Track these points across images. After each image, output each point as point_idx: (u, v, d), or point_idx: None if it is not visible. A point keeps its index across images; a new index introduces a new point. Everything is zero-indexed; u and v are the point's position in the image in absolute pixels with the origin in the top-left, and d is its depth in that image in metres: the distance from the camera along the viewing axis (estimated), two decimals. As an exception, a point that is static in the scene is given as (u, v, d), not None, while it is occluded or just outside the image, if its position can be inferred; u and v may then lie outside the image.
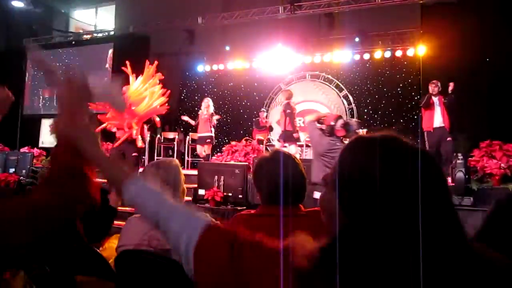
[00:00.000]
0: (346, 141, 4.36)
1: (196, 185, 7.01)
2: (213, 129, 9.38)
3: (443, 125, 7.51)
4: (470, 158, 6.03)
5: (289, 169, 1.81)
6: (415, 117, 9.67)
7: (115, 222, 2.65)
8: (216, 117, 9.47)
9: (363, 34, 10.60)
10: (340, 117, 5.21)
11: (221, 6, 12.62)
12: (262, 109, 10.89)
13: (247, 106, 12.05)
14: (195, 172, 7.48)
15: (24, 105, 14.54)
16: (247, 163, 7.26)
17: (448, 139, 7.38)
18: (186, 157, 10.50)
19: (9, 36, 17.28)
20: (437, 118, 7.55)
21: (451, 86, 7.56)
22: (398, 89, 10.31)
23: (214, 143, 9.73)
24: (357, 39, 10.63)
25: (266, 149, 10.40)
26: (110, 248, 2.68)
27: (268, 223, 1.70)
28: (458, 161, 5.56)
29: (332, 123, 5.05)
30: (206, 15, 12.05)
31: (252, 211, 1.87)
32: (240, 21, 11.59)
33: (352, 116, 10.88)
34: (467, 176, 5.49)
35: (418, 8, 9.74)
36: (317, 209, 1.79)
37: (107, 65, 13.37)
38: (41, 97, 14.38)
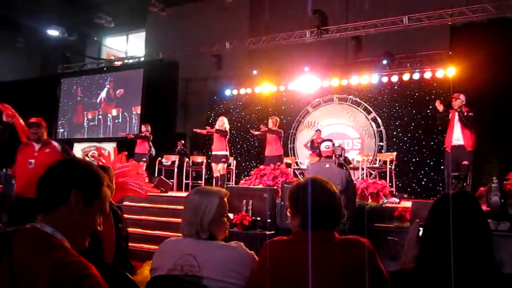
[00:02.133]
0: (330, 162, 4.52)
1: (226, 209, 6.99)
2: (227, 148, 9.25)
3: (461, 143, 7.16)
4: (505, 182, 5.86)
5: (323, 195, 1.80)
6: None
7: (151, 246, 2.68)
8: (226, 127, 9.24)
9: (391, 56, 10.55)
10: (326, 140, 5.84)
11: (248, 31, 12.84)
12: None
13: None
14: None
15: (57, 129, 14.93)
16: (275, 187, 7.24)
17: (464, 162, 7.01)
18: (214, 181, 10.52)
19: (44, 63, 17.93)
20: (456, 135, 7.24)
21: (461, 100, 7.25)
22: (428, 111, 10.15)
23: (229, 162, 9.63)
24: (384, 62, 10.58)
25: (294, 172, 10.37)
26: (142, 273, 2.70)
27: (301, 250, 1.69)
28: (493, 185, 5.40)
29: (316, 145, 5.77)
30: (234, 40, 12.25)
31: (285, 237, 1.86)
32: (267, 45, 11.73)
33: (381, 139, 10.75)
34: (503, 200, 5.32)
35: (447, 29, 9.66)
36: (350, 238, 1.77)
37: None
38: (73, 122, 14.75)
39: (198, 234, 1.99)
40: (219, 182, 8.86)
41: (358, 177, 9.40)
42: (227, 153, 9.22)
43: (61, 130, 14.91)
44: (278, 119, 9.58)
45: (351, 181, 5.60)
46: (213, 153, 9.24)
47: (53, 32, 14.56)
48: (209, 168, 10.30)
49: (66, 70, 15.54)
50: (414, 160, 10.20)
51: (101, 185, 1.45)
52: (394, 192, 7.97)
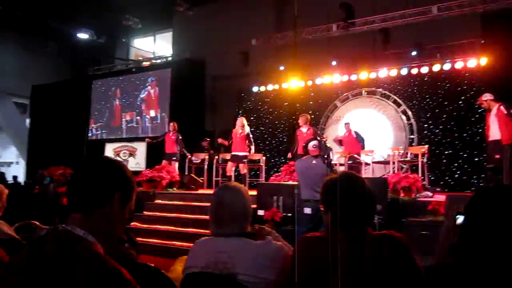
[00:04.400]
0: (317, 160, 4.67)
1: (255, 206, 7.03)
2: (252, 148, 9.26)
3: (498, 138, 7.00)
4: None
5: (356, 191, 1.79)
6: (479, 130, 9.24)
7: (183, 244, 2.70)
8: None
9: (420, 47, 10.33)
10: (312, 139, 6.03)
11: (274, 27, 12.80)
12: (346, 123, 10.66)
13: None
14: (253, 192, 7.50)
15: (89, 130, 15.25)
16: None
17: (497, 156, 6.84)
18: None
19: (74, 66, 18.35)
20: (493, 130, 7.10)
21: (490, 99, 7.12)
22: (460, 102, 9.92)
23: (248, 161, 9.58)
24: (414, 53, 10.37)
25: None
26: (175, 270, 2.73)
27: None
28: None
29: (304, 144, 5.92)
30: (260, 37, 12.24)
31: (318, 234, 1.85)
32: (293, 40, 11.67)
33: (412, 132, 10.56)
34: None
35: (478, 18, 9.41)
36: (384, 233, 1.75)
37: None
38: (106, 122, 15.03)
39: (226, 230, 2.00)
40: (243, 182, 8.85)
41: (389, 171, 9.27)
42: (248, 153, 9.24)
43: (94, 131, 15.21)
44: (309, 117, 9.45)
45: None
46: (234, 153, 9.25)
47: (83, 35, 14.87)
48: (236, 167, 10.35)
49: (97, 72, 15.86)
50: (446, 152, 9.98)
51: (135, 188, 1.45)
52: (427, 186, 7.82)
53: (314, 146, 5.76)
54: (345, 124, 10.48)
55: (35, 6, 14.21)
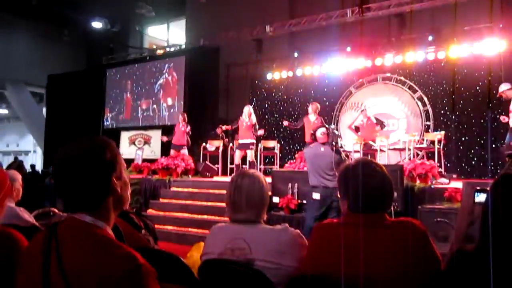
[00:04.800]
0: (325, 147, 4.74)
1: (270, 193, 7.03)
2: (261, 131, 9.41)
3: None
4: None
5: (374, 177, 1.77)
6: (497, 116, 9.09)
7: (198, 230, 2.72)
8: (260, 132, 9.41)
9: (437, 32, 10.16)
10: (320, 126, 6.07)
11: (288, 14, 12.70)
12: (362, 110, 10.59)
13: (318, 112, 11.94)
14: (268, 179, 7.51)
15: (104, 118, 15.38)
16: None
17: None
18: (258, 165, 10.59)
19: (89, 55, 18.50)
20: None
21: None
22: (478, 88, 9.76)
23: (255, 148, 9.70)
24: (430, 38, 10.20)
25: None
26: (192, 256, 2.75)
27: (352, 232, 1.68)
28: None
29: (312, 131, 6.04)
30: (274, 23, 12.16)
31: (335, 220, 1.84)
32: (308, 27, 11.58)
33: (428, 118, 10.44)
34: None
35: (497, 1, 9.21)
36: (402, 220, 1.74)
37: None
38: (121, 111, 15.13)
39: (243, 216, 2.01)
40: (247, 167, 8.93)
41: (405, 158, 9.20)
42: (254, 140, 9.36)
43: (109, 120, 15.33)
44: (319, 106, 9.48)
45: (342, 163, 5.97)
46: (240, 141, 9.35)
47: (96, 24, 14.94)
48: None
49: (111, 61, 15.93)
50: (463, 139, 9.85)
51: (118, 152, 1.37)
52: (443, 173, 7.74)
53: (322, 133, 5.82)
54: (361, 110, 10.40)
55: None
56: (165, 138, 10.91)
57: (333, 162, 5.57)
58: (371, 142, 9.65)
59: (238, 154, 9.49)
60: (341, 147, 9.22)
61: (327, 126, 6.21)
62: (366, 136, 9.76)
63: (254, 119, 9.34)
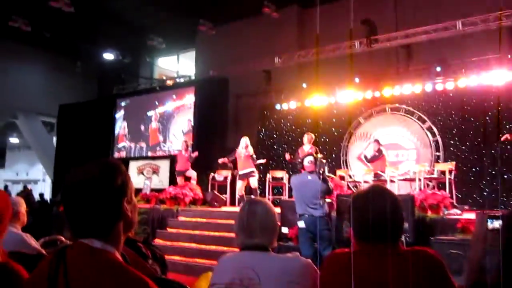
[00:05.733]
0: (313, 175, 4.75)
1: (279, 224, 6.95)
2: (254, 165, 9.46)
3: None
4: None
5: (385, 205, 1.73)
6: (508, 147, 9.00)
7: (206, 261, 2.67)
8: (262, 161, 9.57)
9: (444, 62, 10.20)
10: (308, 155, 6.19)
11: (297, 45, 12.86)
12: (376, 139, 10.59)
13: (326, 142, 11.92)
14: (277, 209, 7.42)
15: (113, 147, 15.45)
16: (329, 200, 7.12)
17: None
18: (266, 195, 10.53)
19: (100, 85, 18.77)
20: None
21: None
22: (487, 118, 9.71)
23: (257, 176, 9.71)
24: (438, 69, 10.24)
25: (348, 185, 10.18)
26: (200, 287, 2.70)
27: (364, 262, 1.63)
28: None
29: (299, 160, 6.14)
30: (283, 55, 12.29)
31: (347, 250, 1.79)
32: (316, 58, 11.68)
33: (438, 149, 10.36)
34: None
35: (504, 32, 9.26)
36: (417, 249, 1.69)
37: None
38: (128, 141, 15.20)
39: (257, 241, 1.97)
40: (253, 196, 8.91)
41: (415, 188, 9.09)
42: (255, 169, 9.45)
43: (119, 149, 15.39)
44: (313, 136, 9.77)
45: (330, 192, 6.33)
46: (240, 172, 9.39)
47: (108, 56, 15.20)
48: (261, 182, 10.35)
49: (121, 91, 16.14)
50: (474, 169, 9.74)
51: (128, 175, 1.34)
52: (455, 204, 7.63)
53: (310, 162, 5.91)
54: (374, 140, 10.32)
55: (63, 27, 14.61)
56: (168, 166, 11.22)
57: (319, 191, 5.61)
58: (380, 173, 9.57)
59: (240, 185, 9.56)
60: (329, 176, 9.24)
61: (314, 154, 6.28)
62: (376, 167, 9.70)
63: (251, 150, 9.47)
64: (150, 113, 14.58)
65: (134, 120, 15.02)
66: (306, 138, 9.56)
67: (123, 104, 15.37)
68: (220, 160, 10.17)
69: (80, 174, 1.27)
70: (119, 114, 15.41)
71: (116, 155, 15.26)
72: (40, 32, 14.56)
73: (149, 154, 14.46)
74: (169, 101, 14.17)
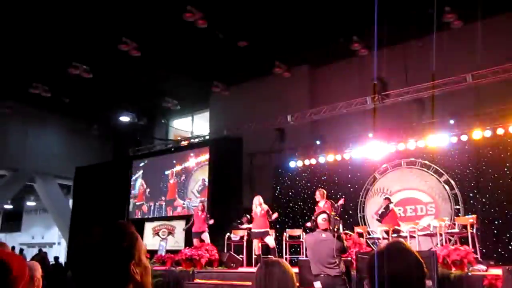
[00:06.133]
0: (327, 233, 4.63)
1: (298, 284, 6.74)
2: (268, 224, 9.34)
3: None
4: None
5: (405, 263, 1.67)
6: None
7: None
8: (275, 215, 9.41)
9: (458, 115, 10.22)
10: (322, 212, 5.99)
11: (309, 103, 13.06)
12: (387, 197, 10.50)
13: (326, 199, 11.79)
14: (295, 269, 7.23)
15: (129, 209, 15.43)
16: (349, 258, 6.93)
17: None
18: (284, 255, 10.31)
19: (116, 147, 19.07)
20: None
21: None
22: (505, 169, 9.57)
23: (272, 234, 9.64)
24: (451, 121, 10.25)
25: (367, 242, 9.94)
26: None
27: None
28: None
29: (313, 218, 5.93)
30: (295, 113, 12.45)
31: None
32: (328, 115, 11.80)
33: (457, 202, 10.16)
34: None
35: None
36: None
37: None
38: (147, 199, 15.20)
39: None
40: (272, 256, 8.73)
41: (437, 243, 8.83)
42: (268, 228, 9.32)
43: (133, 210, 15.37)
44: (325, 191, 9.69)
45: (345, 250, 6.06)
46: (254, 230, 9.27)
47: (124, 118, 15.55)
48: (278, 241, 10.16)
49: (137, 153, 16.34)
50: (496, 222, 9.48)
51: (136, 236, 1.32)
52: (479, 259, 7.36)
53: (324, 219, 5.79)
54: (385, 198, 10.24)
55: (81, 92, 15.08)
56: (184, 226, 11.07)
57: (334, 249, 5.45)
58: (399, 228, 9.37)
59: (256, 244, 9.43)
60: (346, 233, 9.10)
61: (327, 212, 6.19)
62: (387, 223, 9.55)
63: (265, 206, 9.38)
64: (167, 172, 14.64)
65: (153, 179, 15.08)
66: (318, 195, 9.56)
67: (141, 164, 15.49)
68: (244, 226, 10.18)
69: (85, 238, 1.27)
70: (138, 174, 15.50)
71: (136, 213, 15.18)
72: (58, 97, 15.05)
73: (168, 209, 14.35)
74: (187, 159, 14.25)
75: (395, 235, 9.26)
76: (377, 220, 10.22)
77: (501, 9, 9.76)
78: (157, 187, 14.83)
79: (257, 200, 9.39)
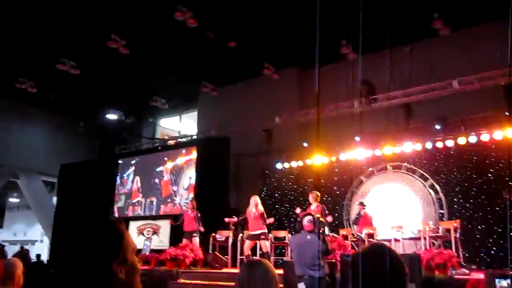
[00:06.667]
0: (312, 235, 4.68)
1: (282, 286, 6.75)
2: (265, 227, 9.13)
3: None
4: None
5: (386, 263, 1.67)
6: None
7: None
8: (270, 220, 9.29)
9: (444, 120, 10.33)
10: (307, 214, 6.07)
11: (297, 105, 13.07)
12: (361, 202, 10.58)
13: (328, 201, 11.82)
14: (280, 271, 7.24)
15: (113, 208, 15.29)
16: (333, 261, 6.96)
17: None
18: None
19: (102, 145, 18.91)
20: None
21: None
22: (489, 175, 9.69)
23: (270, 238, 9.50)
24: (437, 127, 10.36)
25: (352, 245, 9.98)
26: None
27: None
28: None
29: (299, 219, 6.03)
30: (283, 114, 12.47)
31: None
32: (316, 117, 11.83)
33: (442, 207, 10.26)
34: None
35: (501, 90, 9.44)
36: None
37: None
38: (121, 203, 15.10)
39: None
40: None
41: (421, 247, 8.91)
42: (265, 230, 9.13)
43: (118, 208, 15.24)
44: (319, 193, 9.59)
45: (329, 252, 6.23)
46: (250, 233, 9.14)
47: (111, 116, 15.43)
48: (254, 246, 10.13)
49: (123, 151, 16.22)
50: (479, 227, 9.59)
51: (123, 235, 1.31)
52: (462, 263, 7.44)
53: (309, 221, 5.81)
54: (359, 204, 10.34)
55: (68, 88, 14.93)
56: (172, 222, 10.87)
57: (319, 251, 5.49)
58: (373, 232, 9.48)
59: (247, 244, 9.17)
60: (332, 235, 9.12)
61: (312, 214, 6.22)
62: (361, 228, 9.68)
63: (261, 208, 9.14)
64: (159, 168, 14.51)
65: (144, 176, 14.94)
66: (311, 197, 9.45)
67: (132, 162, 15.34)
68: (227, 219, 9.96)
69: (70, 235, 1.26)
70: (130, 170, 15.33)
71: (129, 210, 15.02)
72: (45, 93, 14.87)
73: (161, 207, 14.17)
74: (177, 156, 14.15)
75: (378, 237, 9.33)
76: (354, 225, 10.37)
77: (488, 18, 9.88)
78: (148, 184, 14.72)
79: (253, 201, 9.16)
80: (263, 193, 13.12)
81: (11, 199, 25.52)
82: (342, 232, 10.28)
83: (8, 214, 27.02)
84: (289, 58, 13.16)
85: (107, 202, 15.32)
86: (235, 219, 9.86)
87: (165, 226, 13.42)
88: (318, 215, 7.75)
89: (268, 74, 13.14)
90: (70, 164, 16.80)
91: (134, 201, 15.04)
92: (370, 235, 9.46)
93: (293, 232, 11.23)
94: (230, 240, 10.70)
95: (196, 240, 10.20)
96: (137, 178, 15.04)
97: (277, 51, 12.62)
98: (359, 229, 9.77)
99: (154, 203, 14.40)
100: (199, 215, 10.36)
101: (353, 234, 10.82)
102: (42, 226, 20.29)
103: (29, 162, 17.96)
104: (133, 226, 14.37)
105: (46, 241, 20.90)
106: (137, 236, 13.96)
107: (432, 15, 10.18)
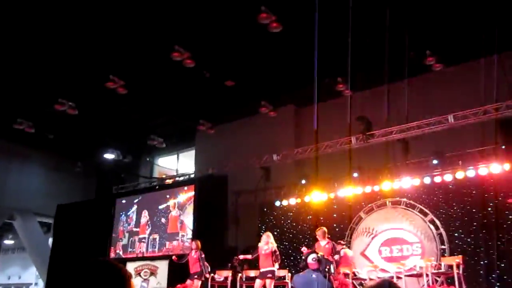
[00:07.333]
0: (317, 274, 4.63)
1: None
2: (276, 265, 8.92)
3: None
4: None
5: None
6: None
7: None
8: (277, 265, 9.00)
9: (441, 155, 10.37)
10: (312, 252, 6.07)
11: (295, 142, 13.13)
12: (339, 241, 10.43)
13: (328, 238, 11.69)
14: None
15: (111, 248, 15.05)
16: (335, 299, 6.81)
17: None
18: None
19: (99, 184, 18.80)
20: None
21: None
22: (489, 209, 9.64)
23: (276, 278, 9.21)
24: (434, 161, 10.39)
25: (353, 283, 9.82)
26: None
27: None
28: None
29: (304, 258, 6.02)
30: (281, 152, 12.49)
31: None
32: (314, 154, 11.85)
33: (443, 242, 10.15)
34: None
35: (497, 124, 9.53)
36: None
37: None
38: (125, 240, 14.86)
39: None
40: None
41: (424, 285, 8.75)
42: (275, 268, 8.91)
43: (117, 249, 15.00)
44: (325, 229, 9.38)
45: None
46: (261, 270, 8.94)
47: (109, 156, 15.40)
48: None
49: (120, 190, 16.11)
50: (482, 262, 9.46)
51: (125, 280, 1.27)
52: (466, 300, 7.30)
53: (314, 259, 5.80)
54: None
55: (66, 128, 14.96)
56: (175, 258, 10.56)
57: None
58: (386, 269, 9.31)
59: (258, 284, 8.87)
60: (333, 274, 8.91)
61: (316, 252, 6.13)
62: (346, 268, 9.59)
63: (272, 246, 8.92)
64: (162, 206, 14.30)
65: (149, 213, 14.71)
66: (319, 233, 9.19)
67: (135, 200, 15.15)
68: (241, 256, 9.74)
69: (72, 277, 1.22)
70: (133, 209, 15.12)
71: (137, 248, 14.69)
72: (42, 133, 14.88)
73: (167, 244, 13.87)
74: (180, 193, 14.00)
75: (381, 275, 9.18)
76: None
77: (480, 54, 10.08)
78: (152, 221, 14.50)
79: (266, 237, 9.04)
80: (262, 231, 12.95)
81: (6, 241, 25.15)
82: (343, 269, 10.12)
83: (2, 257, 26.55)
84: (285, 96, 13.30)
85: (104, 242, 15.10)
86: (249, 256, 9.60)
87: (163, 266, 13.18)
88: (322, 253, 7.60)
89: (265, 112, 13.24)
90: (67, 205, 16.65)
91: (141, 236, 14.72)
92: (347, 275, 9.33)
93: (293, 271, 11.04)
94: (229, 280, 10.48)
95: (198, 283, 9.94)
96: (145, 212, 14.73)
97: (274, 89, 12.78)
98: (343, 267, 9.60)
99: (157, 239, 14.14)
100: (203, 255, 10.07)
101: (354, 273, 10.66)
102: (37, 269, 19.91)
103: (25, 203, 17.81)
104: (131, 267, 14.10)
105: (41, 284, 20.45)
106: (134, 278, 13.68)
107: (425, 52, 10.38)
